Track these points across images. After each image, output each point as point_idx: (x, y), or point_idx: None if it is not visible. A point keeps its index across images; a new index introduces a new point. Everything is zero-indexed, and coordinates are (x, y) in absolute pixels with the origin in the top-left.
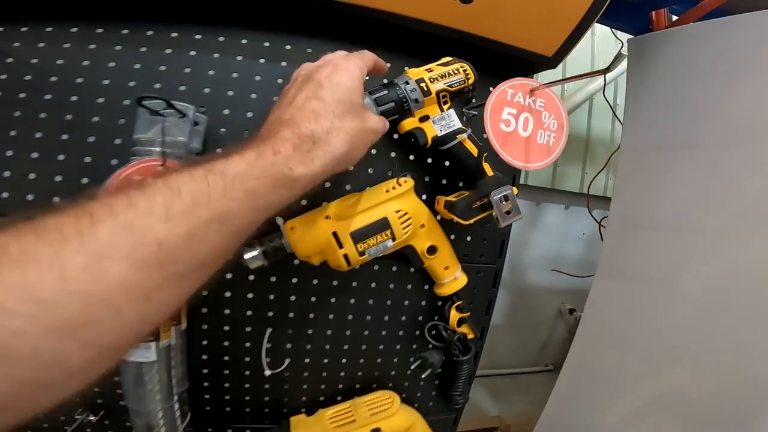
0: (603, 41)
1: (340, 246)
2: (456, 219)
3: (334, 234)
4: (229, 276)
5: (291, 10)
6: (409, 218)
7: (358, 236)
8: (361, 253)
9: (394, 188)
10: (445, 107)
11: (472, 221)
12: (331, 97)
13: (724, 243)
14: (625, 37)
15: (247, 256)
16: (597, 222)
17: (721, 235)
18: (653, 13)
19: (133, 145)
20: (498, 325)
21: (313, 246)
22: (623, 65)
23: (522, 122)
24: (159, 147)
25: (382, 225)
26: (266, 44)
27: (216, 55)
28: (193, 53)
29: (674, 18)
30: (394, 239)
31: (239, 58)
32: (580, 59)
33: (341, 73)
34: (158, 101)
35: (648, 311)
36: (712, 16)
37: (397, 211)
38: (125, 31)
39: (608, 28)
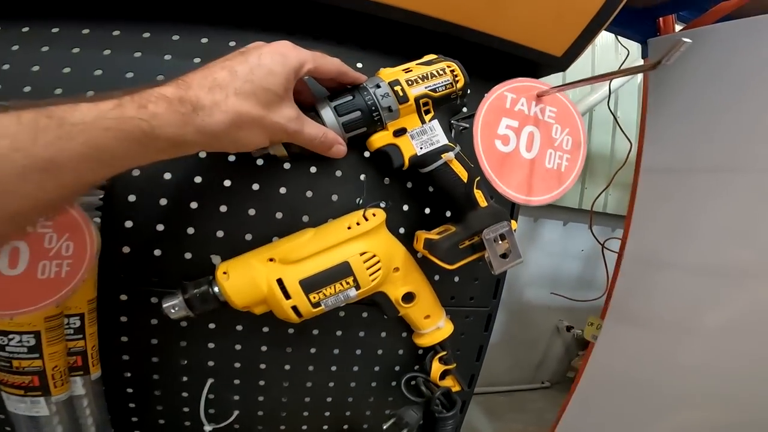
0: (604, 51)
1: (287, 296)
2: (438, 262)
3: (279, 281)
4: (154, 322)
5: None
6: (378, 261)
7: (310, 285)
8: (315, 305)
9: (358, 224)
10: (427, 118)
11: (457, 266)
12: (244, 73)
13: (757, 280)
14: (630, 44)
15: (166, 304)
16: (600, 243)
17: (755, 272)
18: (660, 19)
19: None
20: (494, 343)
21: (251, 296)
22: (627, 77)
23: (525, 139)
24: None
25: (342, 271)
26: (204, 41)
27: (137, 54)
28: (107, 52)
29: (681, 27)
30: (358, 287)
31: (167, 57)
32: (580, 70)
33: (274, 56)
34: None
35: (664, 354)
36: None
37: (362, 254)
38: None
39: (610, 38)
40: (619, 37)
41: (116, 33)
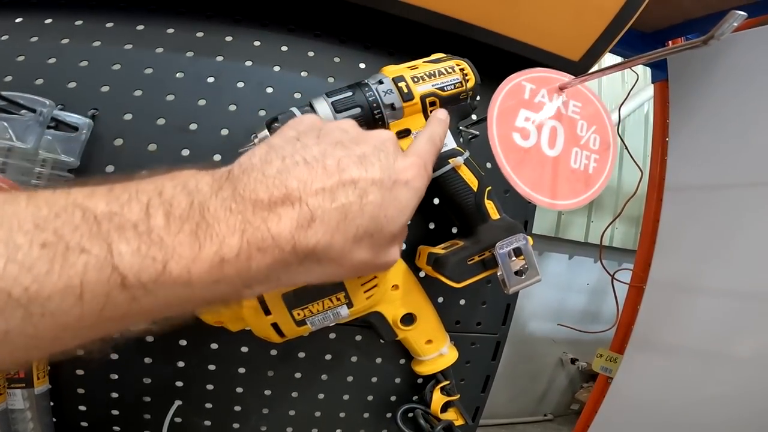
0: (611, 77)
1: (267, 312)
2: (444, 280)
3: (258, 296)
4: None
5: None
6: (374, 277)
7: (294, 300)
8: (300, 323)
9: None
10: None
11: (465, 284)
12: (377, 205)
13: None
14: (639, 69)
15: None
16: (610, 275)
17: None
18: (669, 42)
19: None
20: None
21: (225, 310)
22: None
23: (547, 134)
24: None
25: (332, 286)
26: (199, 34)
27: (128, 47)
28: (96, 44)
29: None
30: (350, 305)
31: (159, 50)
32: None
33: (412, 185)
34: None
35: (692, 383)
36: None
37: None
38: (19, 20)
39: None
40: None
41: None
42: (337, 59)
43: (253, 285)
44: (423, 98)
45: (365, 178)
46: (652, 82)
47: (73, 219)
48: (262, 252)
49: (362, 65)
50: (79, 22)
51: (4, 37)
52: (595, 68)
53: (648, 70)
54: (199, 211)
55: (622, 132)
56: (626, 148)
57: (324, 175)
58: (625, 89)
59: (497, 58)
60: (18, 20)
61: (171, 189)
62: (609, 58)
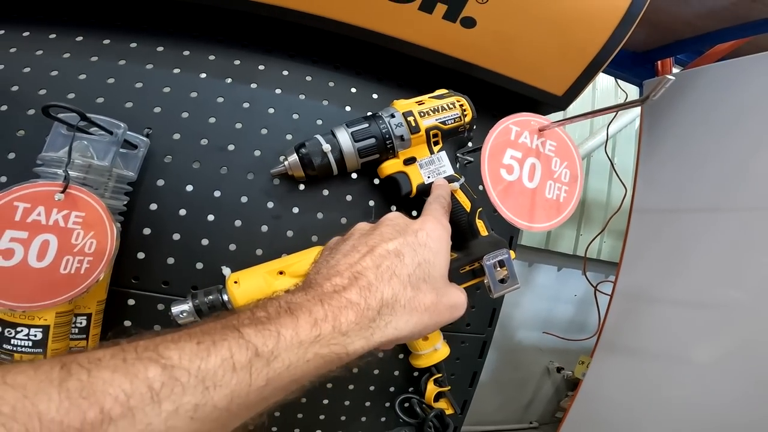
0: (604, 94)
1: None
2: None
3: None
4: (157, 327)
5: (269, 27)
6: None
7: None
8: None
9: None
10: (435, 149)
11: None
12: (412, 256)
13: (745, 317)
14: (629, 87)
15: (175, 310)
16: (593, 286)
17: (743, 309)
18: (659, 62)
19: (37, 164)
20: (483, 382)
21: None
22: (626, 122)
23: (528, 169)
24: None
25: None
26: (237, 62)
27: (176, 71)
28: (149, 66)
29: (678, 69)
30: None
31: (203, 75)
32: (580, 111)
33: (433, 233)
34: (73, 114)
35: (652, 384)
36: None
37: None
38: (79, 38)
39: (610, 82)
40: (618, 81)
41: (133, 45)
42: (353, 89)
43: (351, 337)
44: (427, 131)
45: (394, 244)
46: None
47: (210, 327)
48: (345, 310)
49: (375, 95)
50: (133, 45)
51: (66, 55)
52: (576, 110)
53: (637, 88)
54: (285, 302)
55: (612, 148)
56: (612, 165)
57: (361, 255)
58: (618, 103)
59: (490, 92)
60: (78, 39)
61: (263, 302)
62: (601, 77)
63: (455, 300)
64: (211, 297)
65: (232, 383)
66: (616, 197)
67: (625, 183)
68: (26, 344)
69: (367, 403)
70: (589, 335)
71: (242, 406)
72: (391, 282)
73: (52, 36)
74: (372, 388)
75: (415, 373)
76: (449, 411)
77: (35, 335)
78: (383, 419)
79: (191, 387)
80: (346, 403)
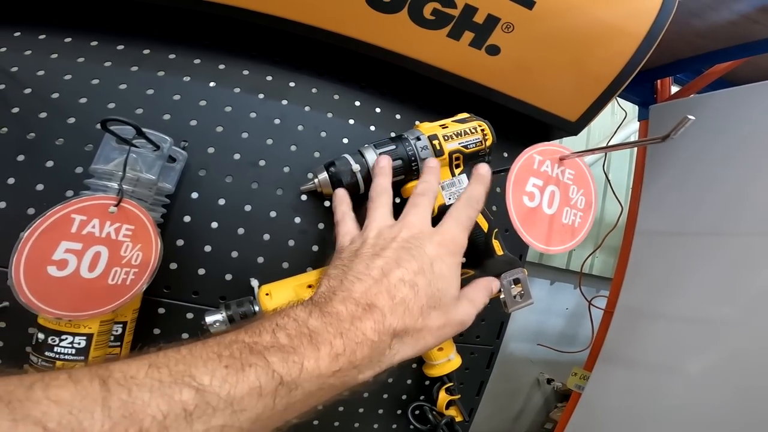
0: (602, 113)
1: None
2: None
3: None
4: (185, 336)
5: (299, 46)
6: None
7: None
8: None
9: None
10: (456, 171)
11: None
12: (426, 287)
13: (738, 334)
14: (627, 105)
15: (210, 318)
16: (587, 301)
17: (734, 324)
18: (658, 81)
19: (90, 176)
20: None
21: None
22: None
23: (548, 197)
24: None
25: None
26: (269, 78)
27: (212, 84)
28: (187, 78)
29: (677, 88)
30: None
31: (236, 90)
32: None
33: (447, 259)
34: (128, 127)
35: (650, 393)
36: (716, 86)
37: None
38: (120, 47)
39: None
40: (617, 99)
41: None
42: (378, 110)
43: (363, 369)
44: (450, 154)
45: (409, 275)
46: (639, 120)
47: (236, 349)
48: (360, 345)
49: (398, 116)
50: (172, 56)
51: (107, 63)
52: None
53: (636, 107)
54: (305, 325)
55: (608, 166)
56: (609, 182)
57: (374, 280)
58: (614, 123)
59: (504, 115)
60: (119, 47)
61: (282, 321)
62: None
63: (462, 317)
64: (243, 308)
65: (258, 408)
66: (609, 214)
67: (620, 200)
68: (70, 352)
69: (380, 411)
70: (581, 348)
71: (263, 426)
72: (404, 316)
73: (94, 43)
74: (385, 396)
75: (426, 382)
76: (459, 418)
77: (79, 343)
78: (394, 426)
79: (220, 410)
80: (360, 410)
